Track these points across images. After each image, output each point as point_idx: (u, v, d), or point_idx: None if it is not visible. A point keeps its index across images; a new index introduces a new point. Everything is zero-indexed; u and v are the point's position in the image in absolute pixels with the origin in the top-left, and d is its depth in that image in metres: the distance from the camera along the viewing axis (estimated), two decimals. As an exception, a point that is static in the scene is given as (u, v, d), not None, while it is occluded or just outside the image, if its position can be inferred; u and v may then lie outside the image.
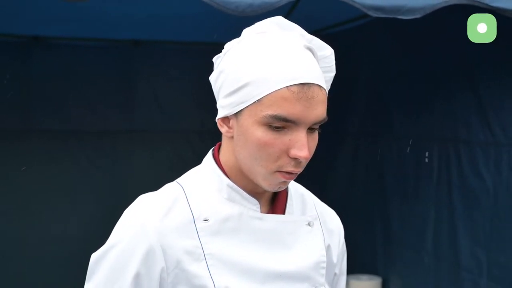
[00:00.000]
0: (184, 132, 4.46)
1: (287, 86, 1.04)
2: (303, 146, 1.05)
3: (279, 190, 1.15)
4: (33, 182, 4.09)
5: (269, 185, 1.11)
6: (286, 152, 1.07)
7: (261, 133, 1.06)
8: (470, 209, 3.01)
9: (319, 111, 1.07)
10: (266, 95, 1.05)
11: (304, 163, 1.09)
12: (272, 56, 1.07)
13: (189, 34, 4.12)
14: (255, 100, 1.06)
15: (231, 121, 1.12)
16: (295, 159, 1.07)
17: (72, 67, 4.15)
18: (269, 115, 1.04)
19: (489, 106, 2.88)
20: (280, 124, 1.05)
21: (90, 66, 4.19)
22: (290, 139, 1.06)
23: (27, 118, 4.14)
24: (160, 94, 4.41)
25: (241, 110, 1.08)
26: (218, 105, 1.14)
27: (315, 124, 1.07)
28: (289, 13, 3.20)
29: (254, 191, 1.15)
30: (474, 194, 2.97)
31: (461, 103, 3.06)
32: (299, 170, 1.10)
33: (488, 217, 2.88)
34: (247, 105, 1.07)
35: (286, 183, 1.12)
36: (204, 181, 1.17)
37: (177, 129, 4.46)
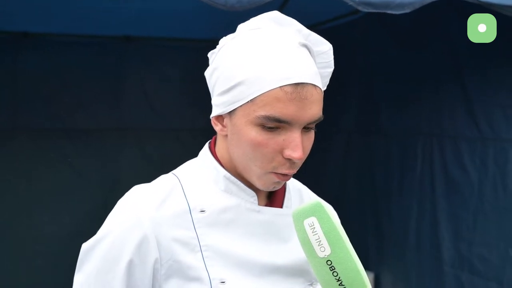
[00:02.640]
0: (175, 130, 4.45)
1: (280, 86, 1.03)
2: (297, 147, 1.05)
3: (273, 190, 1.14)
4: (23, 180, 4.07)
5: (263, 184, 1.10)
6: (280, 152, 1.06)
7: (255, 133, 1.05)
8: (455, 204, 3.04)
9: (314, 111, 1.06)
10: (259, 95, 1.04)
11: (299, 164, 1.08)
12: (265, 55, 1.05)
13: (181, 30, 4.11)
14: (248, 100, 1.05)
15: (225, 120, 1.11)
16: (290, 159, 1.06)
17: (62, 64, 4.13)
18: (262, 115, 1.03)
19: (476, 101, 2.91)
20: (273, 124, 1.04)
21: (80, 62, 4.17)
22: (284, 139, 1.05)
23: (16, 116, 4.11)
24: (151, 91, 4.40)
25: (234, 109, 1.07)
26: (212, 103, 1.13)
27: (310, 123, 1.07)
28: (280, 10, 3.20)
29: (251, 185, 1.14)
30: (460, 189, 3.00)
31: (449, 98, 3.09)
32: (294, 171, 1.09)
33: (471, 212, 2.90)
34: (240, 104, 1.06)
35: (280, 183, 1.11)
36: (200, 172, 1.16)
37: (168, 127, 4.45)
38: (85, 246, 1.12)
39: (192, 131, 4.30)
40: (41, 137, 4.15)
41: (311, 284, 1.17)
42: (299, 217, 1.02)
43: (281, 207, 1.17)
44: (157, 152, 4.35)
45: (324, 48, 1.14)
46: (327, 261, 1.00)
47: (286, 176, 1.09)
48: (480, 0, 2.14)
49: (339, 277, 1.00)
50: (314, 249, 1.00)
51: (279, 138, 1.05)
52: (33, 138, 4.13)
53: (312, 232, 1.00)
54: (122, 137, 4.34)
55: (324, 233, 1.00)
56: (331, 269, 1.00)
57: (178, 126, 4.45)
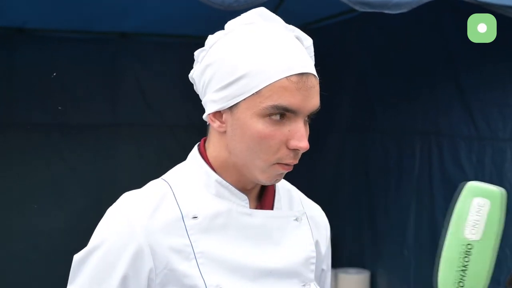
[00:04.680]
0: (170, 126, 4.44)
1: (286, 76, 1.03)
2: (302, 136, 1.05)
3: (275, 183, 1.13)
4: (17, 175, 4.05)
5: (267, 178, 1.09)
6: (285, 143, 1.06)
7: (261, 126, 1.04)
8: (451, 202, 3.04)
9: (316, 100, 1.07)
10: (265, 86, 1.03)
11: (300, 154, 1.08)
12: (267, 47, 1.05)
13: (175, 27, 4.10)
14: (253, 92, 1.04)
15: (224, 116, 1.09)
16: (294, 150, 1.06)
17: (58, 60, 4.11)
18: (270, 105, 1.03)
19: (473, 100, 2.91)
20: (280, 114, 1.04)
21: (75, 58, 4.16)
22: (289, 130, 1.05)
23: (11, 111, 4.10)
24: (146, 87, 4.38)
25: (236, 103, 1.06)
26: (207, 100, 1.11)
27: (311, 113, 1.07)
28: (277, 8, 3.20)
29: (243, 187, 1.13)
30: (456, 188, 3.00)
31: (445, 97, 3.09)
32: (297, 161, 1.09)
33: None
34: (244, 97, 1.05)
35: (282, 175, 1.11)
36: (191, 177, 1.14)
37: (163, 123, 4.44)
38: (77, 257, 1.10)
39: (187, 127, 4.28)
40: (36, 133, 4.13)
41: (304, 285, 1.16)
42: (473, 192, 0.97)
43: (272, 208, 1.16)
44: (152, 148, 4.35)
45: (308, 42, 1.14)
46: (468, 244, 0.96)
47: (289, 166, 1.09)
48: (477, 0, 2.13)
49: (467, 266, 0.96)
50: (465, 227, 0.96)
51: (285, 129, 1.05)
52: (27, 133, 4.11)
53: (477, 212, 0.96)
54: (117, 133, 4.33)
55: (487, 220, 0.95)
56: (466, 253, 0.96)
57: (173, 122, 4.44)
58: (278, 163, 1.07)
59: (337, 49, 3.85)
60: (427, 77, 3.22)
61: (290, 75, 1.03)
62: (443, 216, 3.23)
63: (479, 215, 0.95)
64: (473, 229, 0.95)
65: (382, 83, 3.60)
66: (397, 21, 2.68)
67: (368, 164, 3.74)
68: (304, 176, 3.43)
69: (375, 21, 3.34)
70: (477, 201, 0.96)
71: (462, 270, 0.95)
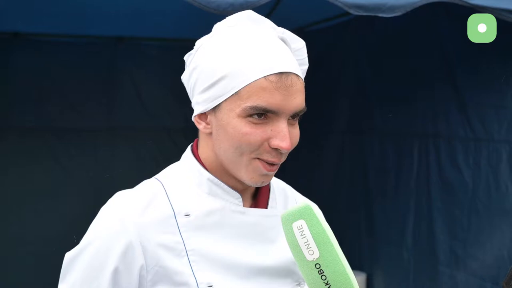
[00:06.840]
0: (168, 129, 4.44)
1: (264, 76, 1.03)
2: (284, 136, 1.05)
3: (262, 186, 1.13)
4: (14, 180, 4.04)
5: (251, 178, 1.09)
6: (267, 141, 1.06)
7: (243, 125, 1.05)
8: (450, 204, 3.05)
9: (299, 100, 1.06)
10: (244, 86, 1.04)
11: (285, 154, 1.09)
12: (247, 48, 1.06)
13: (172, 30, 4.10)
14: (233, 92, 1.05)
15: (208, 117, 1.10)
16: (276, 149, 1.06)
17: (54, 64, 4.11)
18: (249, 106, 1.03)
19: (469, 102, 2.92)
20: (260, 114, 1.04)
21: (72, 63, 4.15)
22: (271, 130, 1.05)
23: (7, 116, 4.10)
24: (143, 91, 4.38)
25: (219, 105, 1.07)
26: (193, 103, 1.13)
27: (295, 113, 1.07)
28: (271, 12, 3.20)
29: (236, 187, 1.13)
30: (454, 189, 3.01)
31: (441, 99, 3.10)
32: (280, 161, 1.09)
33: (466, 212, 2.91)
34: (224, 98, 1.06)
35: (268, 176, 1.11)
36: (183, 176, 1.15)
37: (160, 126, 4.43)
38: (68, 255, 1.11)
39: (185, 130, 4.28)
40: (32, 137, 4.12)
41: (298, 284, 1.17)
42: (288, 220, 1.01)
43: (266, 207, 1.17)
44: (149, 151, 4.34)
45: (299, 45, 1.15)
46: (315, 264, 0.99)
47: (272, 166, 1.08)
48: (472, 3, 2.14)
49: (328, 281, 0.99)
50: (302, 252, 1.00)
51: (267, 129, 1.06)
52: (24, 138, 4.11)
53: (301, 235, 0.99)
54: (114, 136, 4.33)
55: (313, 236, 0.99)
56: (319, 272, 0.99)
57: (171, 125, 4.44)
58: (259, 159, 1.07)
59: (334, 52, 3.85)
60: (423, 79, 3.23)
61: (269, 75, 1.04)
62: (441, 217, 3.24)
63: (304, 236, 1.00)
64: (309, 250, 1.00)
65: (380, 85, 3.61)
66: (393, 23, 2.69)
67: (367, 166, 3.74)
68: (302, 177, 3.44)
69: (372, 23, 3.35)
70: (295, 226, 1.00)
71: (328, 287, 0.99)
